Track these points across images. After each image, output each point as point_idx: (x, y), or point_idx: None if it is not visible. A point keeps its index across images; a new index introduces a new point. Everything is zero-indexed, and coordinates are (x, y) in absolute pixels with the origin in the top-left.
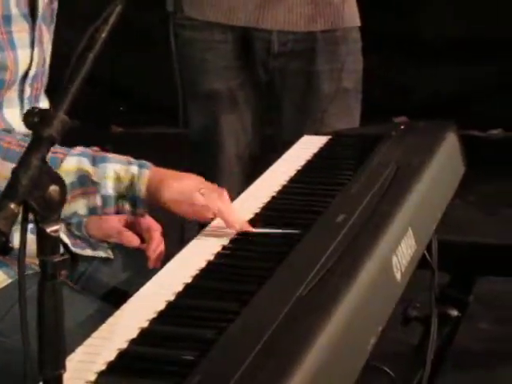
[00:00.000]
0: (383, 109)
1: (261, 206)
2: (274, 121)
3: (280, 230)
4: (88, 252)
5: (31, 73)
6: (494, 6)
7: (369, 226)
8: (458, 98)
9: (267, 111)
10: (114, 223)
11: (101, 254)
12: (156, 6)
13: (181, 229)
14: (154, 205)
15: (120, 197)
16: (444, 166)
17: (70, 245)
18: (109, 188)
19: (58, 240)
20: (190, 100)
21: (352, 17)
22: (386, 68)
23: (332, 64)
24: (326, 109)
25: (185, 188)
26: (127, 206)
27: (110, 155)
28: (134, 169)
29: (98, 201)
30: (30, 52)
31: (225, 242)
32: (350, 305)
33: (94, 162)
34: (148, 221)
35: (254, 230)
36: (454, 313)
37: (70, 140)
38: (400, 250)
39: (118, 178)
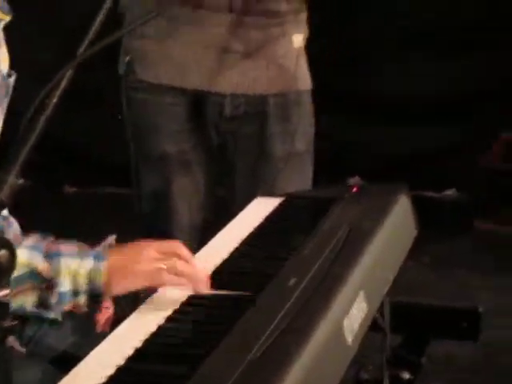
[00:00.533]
0: (337, 169)
1: (213, 268)
2: (227, 184)
3: (232, 293)
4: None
5: None
6: (444, 67)
7: (320, 289)
8: (412, 158)
9: (220, 174)
10: None
11: (51, 315)
12: (108, 66)
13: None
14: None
15: (75, 293)
16: (396, 228)
17: None
18: (64, 285)
19: (7, 305)
20: (142, 162)
21: (304, 80)
22: (339, 128)
23: (284, 127)
24: (278, 172)
25: (142, 274)
26: (83, 302)
27: (63, 248)
28: (90, 263)
29: (54, 298)
30: None
31: (176, 305)
32: (301, 368)
33: (47, 256)
34: None
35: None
36: (406, 375)
37: (22, 201)
38: (352, 313)
39: (72, 275)
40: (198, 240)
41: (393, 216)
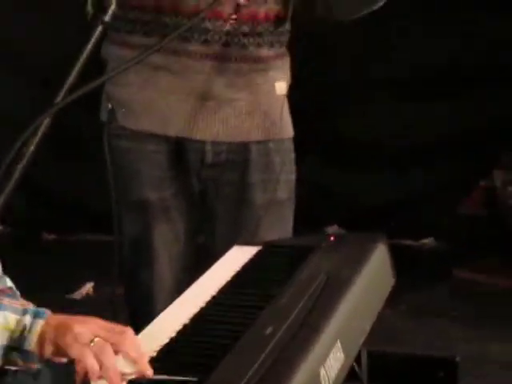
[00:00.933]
0: (314, 217)
1: (189, 317)
2: (208, 231)
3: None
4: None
5: None
6: (421, 115)
7: (297, 338)
8: (390, 206)
9: (200, 221)
10: None
11: (30, 366)
12: (88, 111)
13: None
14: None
15: (9, 348)
16: (373, 277)
17: None
18: None
19: None
20: (124, 209)
21: (286, 128)
22: (316, 176)
23: (265, 175)
24: (259, 220)
25: (69, 347)
26: (16, 358)
27: (6, 302)
28: (27, 319)
29: None
30: None
31: (151, 354)
32: None
33: None
34: None
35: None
36: None
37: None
38: (328, 363)
39: (6, 328)
40: (177, 288)
41: (370, 265)
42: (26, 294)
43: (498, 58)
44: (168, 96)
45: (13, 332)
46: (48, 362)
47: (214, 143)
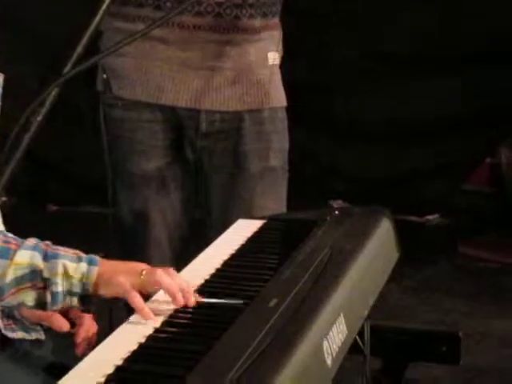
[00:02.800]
0: (320, 191)
1: (194, 288)
2: (203, 200)
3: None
4: (19, 335)
5: None
6: (427, 89)
7: (301, 311)
8: (396, 182)
9: (196, 191)
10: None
11: (33, 336)
12: (88, 83)
13: (109, 311)
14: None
15: (69, 293)
16: (377, 252)
17: (1, 327)
18: (58, 285)
19: None
20: (119, 180)
21: (279, 97)
22: (324, 151)
23: (259, 143)
24: (253, 188)
25: (123, 285)
26: (76, 303)
27: (61, 251)
28: (84, 266)
29: (48, 297)
30: None
31: (156, 325)
32: None
33: (46, 257)
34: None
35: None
36: None
37: (5, 217)
38: (331, 336)
39: (67, 275)
40: (175, 257)
41: (375, 239)
42: None
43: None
44: (162, 66)
45: (70, 278)
46: (50, 334)
47: (208, 112)
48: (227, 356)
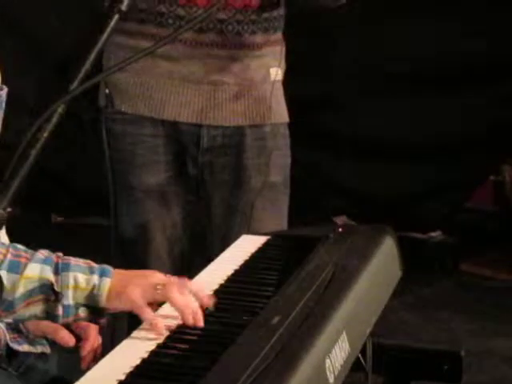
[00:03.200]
0: (323, 208)
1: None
2: (204, 215)
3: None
4: (25, 348)
5: None
6: (429, 108)
7: (304, 328)
8: (400, 199)
9: (196, 205)
10: (49, 321)
11: (38, 349)
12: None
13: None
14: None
15: (80, 306)
16: (381, 270)
17: (8, 340)
18: (69, 298)
19: None
20: (121, 194)
21: (281, 113)
22: (328, 168)
23: (260, 159)
24: (253, 202)
25: (134, 299)
26: (87, 315)
27: (73, 262)
28: (95, 278)
29: (59, 310)
30: None
31: (159, 340)
32: None
33: (57, 270)
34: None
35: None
36: None
37: (9, 227)
38: (334, 353)
39: (78, 288)
40: (175, 271)
41: (378, 257)
42: None
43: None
44: (164, 81)
45: (83, 291)
46: (55, 348)
47: (210, 127)
48: (230, 373)
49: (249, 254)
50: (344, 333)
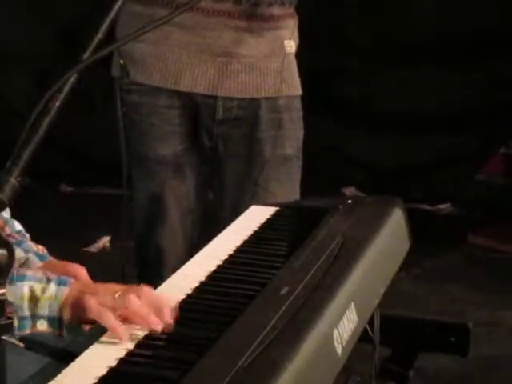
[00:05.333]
0: (332, 178)
1: (206, 274)
2: (216, 186)
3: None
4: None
5: None
6: (445, 80)
7: (312, 299)
8: (409, 170)
9: (210, 176)
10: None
11: (58, 332)
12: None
13: None
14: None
15: (36, 318)
16: (389, 241)
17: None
18: (24, 310)
19: (3, 303)
20: (135, 164)
21: (295, 85)
22: (336, 138)
23: (274, 131)
24: (266, 174)
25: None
26: (45, 327)
27: (29, 272)
28: (52, 287)
29: (15, 322)
30: None
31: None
32: (290, 377)
33: (11, 280)
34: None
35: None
36: None
37: (20, 197)
38: (342, 324)
39: (33, 298)
40: (187, 241)
41: (386, 229)
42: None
43: None
44: (180, 51)
45: (39, 301)
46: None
47: (225, 99)
48: (238, 343)
49: (258, 225)
50: (352, 304)
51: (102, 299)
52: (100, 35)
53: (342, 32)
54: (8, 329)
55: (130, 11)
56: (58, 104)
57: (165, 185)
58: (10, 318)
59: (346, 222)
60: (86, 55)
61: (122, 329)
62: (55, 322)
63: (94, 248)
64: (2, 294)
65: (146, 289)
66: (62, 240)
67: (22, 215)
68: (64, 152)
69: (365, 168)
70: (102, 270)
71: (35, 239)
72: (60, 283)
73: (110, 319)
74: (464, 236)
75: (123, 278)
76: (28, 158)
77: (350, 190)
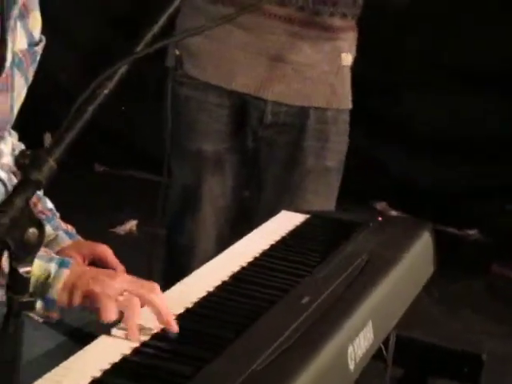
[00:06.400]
0: (366, 191)
1: (229, 274)
2: (254, 189)
3: None
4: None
5: None
6: (487, 109)
7: (331, 313)
8: (441, 192)
9: (249, 178)
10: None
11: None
12: (154, 59)
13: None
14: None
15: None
16: (414, 264)
17: None
18: None
19: (28, 281)
20: (177, 156)
21: (346, 99)
22: (377, 152)
23: (319, 142)
24: (306, 184)
25: (93, 296)
26: (39, 306)
27: None
28: (52, 266)
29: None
30: None
31: (188, 304)
32: None
33: None
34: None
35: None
36: None
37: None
38: (357, 341)
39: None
40: (219, 237)
41: (413, 251)
42: (71, 225)
43: None
44: (237, 51)
45: (36, 278)
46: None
47: (275, 104)
48: (253, 347)
49: (286, 231)
50: (370, 322)
51: (108, 290)
52: (155, 29)
53: (394, 49)
54: (30, 306)
55: (192, 4)
56: (105, 92)
57: (202, 180)
58: (32, 295)
59: (374, 239)
60: (140, 47)
61: (135, 325)
62: (50, 302)
63: (120, 230)
64: (28, 272)
65: (156, 291)
66: (90, 218)
67: (54, 190)
68: (105, 133)
69: (398, 185)
70: (127, 254)
71: (63, 213)
72: (61, 265)
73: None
74: (488, 265)
75: (149, 264)
76: (69, 142)
77: (381, 205)
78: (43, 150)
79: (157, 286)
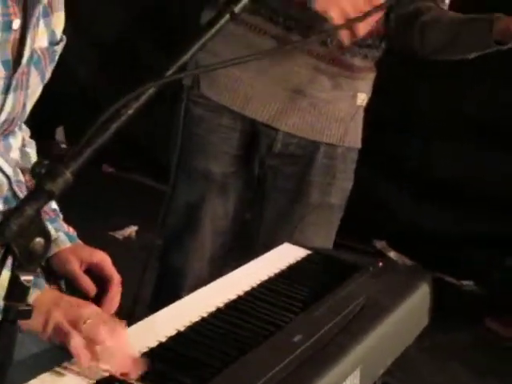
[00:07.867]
0: (367, 228)
1: (225, 301)
2: (255, 215)
3: None
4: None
5: (1, 118)
6: (499, 163)
7: (321, 355)
8: (441, 239)
9: (251, 203)
10: (75, 266)
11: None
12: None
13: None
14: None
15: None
16: (409, 314)
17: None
18: None
19: (28, 290)
20: (183, 172)
21: (356, 138)
22: (380, 191)
23: (326, 178)
24: (308, 218)
25: (52, 326)
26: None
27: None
28: None
29: None
30: (2, 99)
31: (180, 327)
32: None
33: None
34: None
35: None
36: None
37: None
38: None
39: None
40: (213, 262)
41: (410, 302)
42: (72, 223)
43: None
44: (255, 78)
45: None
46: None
47: (287, 134)
48: (239, 379)
49: (286, 264)
50: (358, 368)
51: (69, 317)
52: (187, 57)
53: (413, 94)
54: (26, 315)
55: (229, 30)
56: (130, 112)
57: (205, 200)
58: (29, 304)
59: (372, 284)
60: (169, 72)
61: (86, 356)
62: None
63: (119, 234)
64: (28, 281)
65: (121, 332)
66: (91, 218)
67: None
68: (118, 135)
69: (401, 227)
70: (122, 260)
71: (65, 209)
72: (34, 285)
73: (76, 340)
74: (481, 318)
75: (142, 274)
76: (88, 157)
77: (380, 244)
78: (61, 162)
79: (121, 326)
